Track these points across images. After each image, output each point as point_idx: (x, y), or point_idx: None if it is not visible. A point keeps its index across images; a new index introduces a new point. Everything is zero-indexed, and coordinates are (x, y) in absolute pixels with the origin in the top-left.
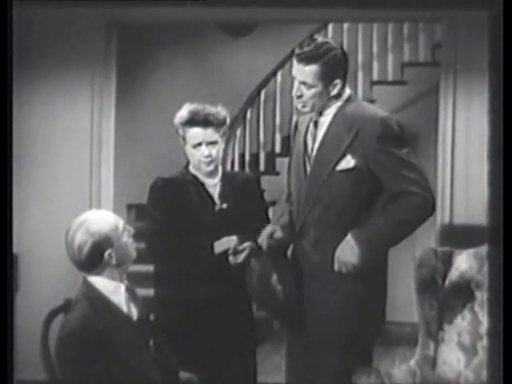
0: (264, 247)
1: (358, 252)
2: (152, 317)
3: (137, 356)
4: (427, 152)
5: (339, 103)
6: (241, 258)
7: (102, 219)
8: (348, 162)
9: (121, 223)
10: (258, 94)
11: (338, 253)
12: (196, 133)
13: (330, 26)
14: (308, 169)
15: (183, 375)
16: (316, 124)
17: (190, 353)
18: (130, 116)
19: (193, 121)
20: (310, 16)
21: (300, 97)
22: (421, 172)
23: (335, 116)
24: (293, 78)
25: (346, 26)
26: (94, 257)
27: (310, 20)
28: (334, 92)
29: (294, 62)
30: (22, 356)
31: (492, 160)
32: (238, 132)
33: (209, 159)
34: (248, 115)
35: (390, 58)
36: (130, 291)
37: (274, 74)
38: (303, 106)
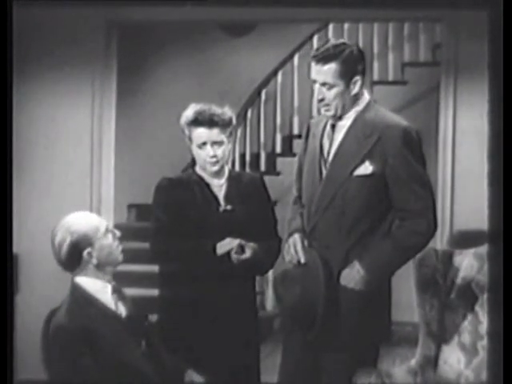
0: (302, 260)
1: (364, 279)
2: (145, 317)
3: (127, 350)
4: (428, 152)
5: (359, 108)
6: (246, 256)
7: (83, 220)
8: (366, 168)
9: (104, 225)
10: (259, 93)
11: (343, 278)
12: (201, 133)
13: (331, 26)
14: (324, 172)
15: (189, 376)
16: (334, 127)
17: (194, 352)
18: (130, 116)
19: (197, 121)
20: (310, 16)
21: (322, 100)
22: (431, 191)
23: (355, 121)
24: (313, 83)
25: (346, 25)
26: (73, 255)
27: (311, 20)
28: (355, 90)
29: (312, 65)
30: (22, 356)
31: (492, 160)
32: (239, 132)
33: (214, 159)
34: (248, 115)
35: (391, 57)
36: (118, 292)
37: (274, 73)
38: (327, 110)
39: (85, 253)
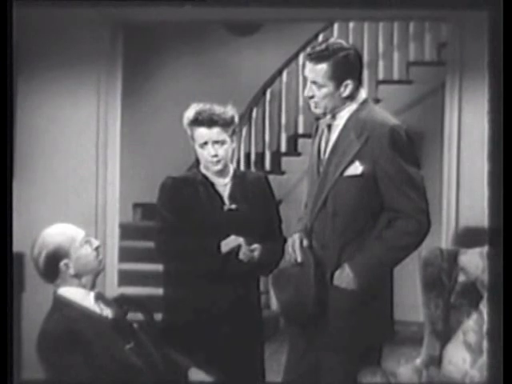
0: (299, 259)
1: (354, 280)
2: (127, 317)
3: (116, 348)
4: (433, 151)
5: (353, 107)
6: (255, 255)
7: (59, 231)
8: (356, 169)
9: (81, 236)
10: (264, 93)
11: (336, 278)
12: (202, 132)
13: (336, 26)
14: (320, 172)
15: (195, 375)
16: (329, 127)
17: (198, 351)
18: (135, 115)
19: (198, 121)
20: (315, 15)
21: (312, 97)
22: (423, 192)
23: (348, 120)
24: (305, 78)
25: (351, 25)
26: (50, 268)
27: (316, 19)
28: (346, 93)
29: (306, 62)
30: (27, 355)
31: (492, 160)
32: (244, 131)
33: (215, 159)
34: (254, 114)
35: (396, 57)
36: (101, 298)
37: (279, 73)
38: (315, 107)
39: (61, 264)
